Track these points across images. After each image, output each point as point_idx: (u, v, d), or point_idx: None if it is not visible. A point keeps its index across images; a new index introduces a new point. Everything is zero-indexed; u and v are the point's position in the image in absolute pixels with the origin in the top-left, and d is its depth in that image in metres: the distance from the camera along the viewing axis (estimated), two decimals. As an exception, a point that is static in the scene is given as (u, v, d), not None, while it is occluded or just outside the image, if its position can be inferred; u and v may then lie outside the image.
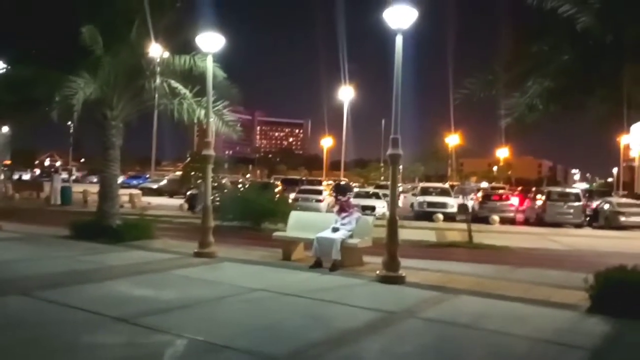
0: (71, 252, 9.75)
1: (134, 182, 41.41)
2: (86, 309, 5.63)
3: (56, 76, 10.68)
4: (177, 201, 26.67)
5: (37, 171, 50.46)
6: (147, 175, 45.70)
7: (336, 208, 9.20)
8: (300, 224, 9.80)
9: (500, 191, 28.96)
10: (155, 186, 37.98)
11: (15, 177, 38.88)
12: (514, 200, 25.55)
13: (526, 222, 24.18)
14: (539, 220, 22.88)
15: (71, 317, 5.40)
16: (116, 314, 5.41)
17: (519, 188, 38.72)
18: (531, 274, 8.92)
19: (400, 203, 30.34)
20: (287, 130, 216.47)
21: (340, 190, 9.43)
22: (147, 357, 4.29)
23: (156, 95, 12.07)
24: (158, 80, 11.81)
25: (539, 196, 24.90)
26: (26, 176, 44.45)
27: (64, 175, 37.85)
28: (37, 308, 5.78)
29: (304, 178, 42.06)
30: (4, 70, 12.59)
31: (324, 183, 33.83)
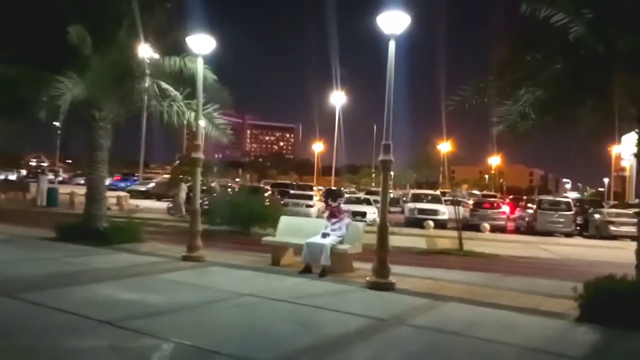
0: (57, 254, 9.60)
1: (122, 184, 41.03)
2: (73, 311, 5.53)
3: (43, 76, 10.54)
4: (166, 204, 26.45)
5: (24, 172, 49.84)
6: (137, 177, 45.29)
7: (326, 213, 9.15)
8: (290, 229, 9.73)
9: (492, 199, 29.13)
10: (143, 189, 37.65)
11: (1, 177, 38.34)
12: (505, 209, 25.71)
13: (517, 230, 24.31)
14: (529, 228, 23.02)
15: (57, 321, 5.30)
16: (103, 317, 5.31)
17: (510, 196, 38.98)
18: (521, 282, 8.93)
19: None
20: (278, 134, 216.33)
21: (330, 196, 9.38)
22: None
23: (145, 97, 11.96)
24: (147, 82, 11.70)
25: (530, 205, 25.07)
26: (12, 177, 43.86)
27: (51, 176, 37.39)
28: (23, 311, 5.67)
29: (294, 183, 41.98)
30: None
31: (315, 188, 33.79)
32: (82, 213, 12.33)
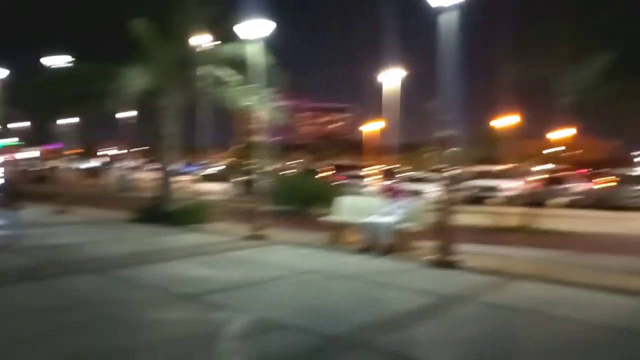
0: (134, 235, 10.33)
1: (190, 168, 42.63)
2: (152, 286, 5.99)
3: (111, 70, 11.20)
4: (230, 187, 27.29)
5: (99, 160, 53.10)
6: (202, 162, 46.99)
7: (386, 192, 9.11)
8: (350, 208, 9.78)
9: (564, 173, 27.71)
10: (209, 172, 39.02)
11: (80, 165, 41.02)
12: (579, 183, 24.36)
13: (593, 205, 22.94)
14: (607, 203, 21.63)
15: (140, 295, 5.71)
16: (179, 291, 5.70)
17: (585, 170, 36.72)
18: (598, 259, 8.45)
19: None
20: (333, 115, 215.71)
21: (390, 175, 9.32)
22: (211, 333, 4.42)
23: (205, 84, 12.35)
24: (206, 69, 12.08)
25: (606, 178, 23.61)
26: (89, 165, 46.85)
27: (123, 163, 39.60)
28: (110, 286, 6.16)
29: (352, 163, 41.97)
30: (69, 65, 13.32)
31: (373, 167, 33.64)
32: (153, 196, 13.02)
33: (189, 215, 11.91)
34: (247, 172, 22.39)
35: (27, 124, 37.66)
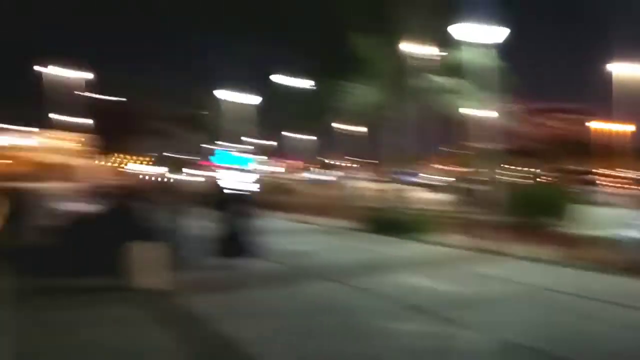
0: (361, 244, 10.90)
1: (409, 178, 43.20)
2: (382, 296, 6.10)
3: (336, 86, 12.16)
4: (451, 196, 26.71)
5: (329, 172, 58.05)
6: (421, 171, 47.23)
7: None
8: (595, 219, 8.64)
9: None
10: (429, 181, 38.95)
11: (313, 177, 45.42)
12: None
13: None
14: None
15: (370, 303, 5.88)
16: (408, 302, 5.69)
17: None
18: None
19: None
20: (565, 117, 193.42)
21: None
22: (444, 349, 4.30)
23: (426, 92, 12.43)
24: (428, 78, 12.16)
25: None
26: (320, 177, 51.55)
27: (350, 174, 42.47)
28: (343, 293, 6.45)
29: (586, 168, 36.91)
30: (311, 87, 14.85)
31: (620, 174, 28.98)
32: (378, 207, 13.62)
33: (412, 225, 12.04)
34: (470, 181, 21.71)
35: (268, 141, 43.62)
